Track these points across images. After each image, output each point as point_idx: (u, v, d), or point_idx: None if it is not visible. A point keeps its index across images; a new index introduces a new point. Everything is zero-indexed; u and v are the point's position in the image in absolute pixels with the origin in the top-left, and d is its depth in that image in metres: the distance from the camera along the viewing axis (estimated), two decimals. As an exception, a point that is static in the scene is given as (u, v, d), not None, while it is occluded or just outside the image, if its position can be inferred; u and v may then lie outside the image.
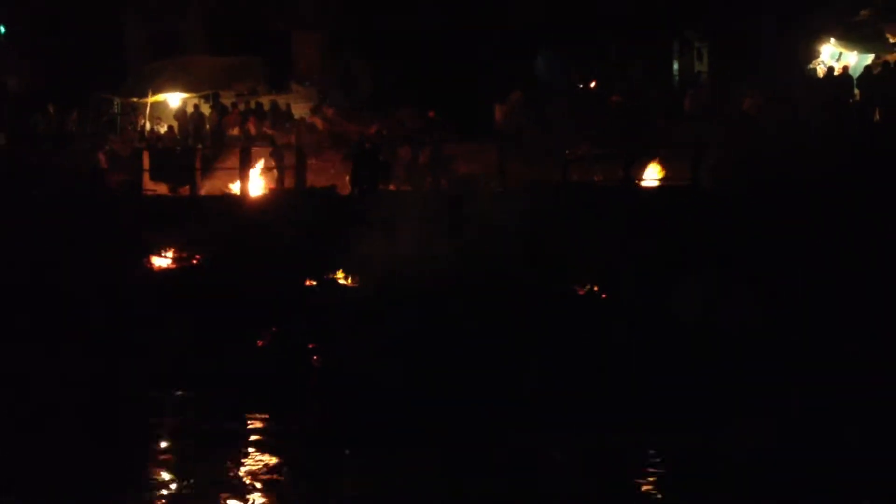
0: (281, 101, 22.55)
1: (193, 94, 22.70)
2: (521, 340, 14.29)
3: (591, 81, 21.95)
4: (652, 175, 18.37)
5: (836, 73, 18.66)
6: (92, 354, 14.61)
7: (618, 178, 17.86)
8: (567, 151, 18.47)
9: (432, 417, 12.42)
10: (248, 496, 10.37)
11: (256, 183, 19.54)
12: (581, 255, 15.89)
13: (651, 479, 10.43)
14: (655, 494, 10.18)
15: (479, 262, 15.87)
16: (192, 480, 10.89)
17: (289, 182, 19.35)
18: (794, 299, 14.28)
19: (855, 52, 20.55)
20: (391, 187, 19.01)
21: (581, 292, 15.89)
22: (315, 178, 19.34)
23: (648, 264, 15.08)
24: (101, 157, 20.32)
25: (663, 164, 18.35)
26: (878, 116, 17.59)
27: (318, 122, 21.50)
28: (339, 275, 17.30)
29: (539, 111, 19.99)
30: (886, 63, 18.43)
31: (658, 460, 10.95)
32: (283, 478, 11.03)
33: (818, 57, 20.63)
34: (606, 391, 12.87)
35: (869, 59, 20.00)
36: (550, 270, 15.98)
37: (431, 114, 20.20)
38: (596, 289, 15.83)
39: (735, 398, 12.46)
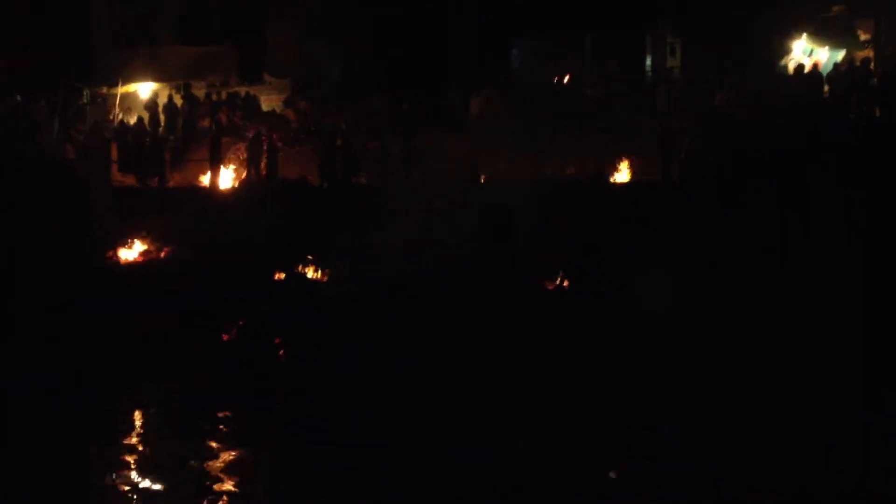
0: (253, 92, 22.35)
1: (164, 85, 22.42)
2: (490, 335, 14.27)
3: (566, 75, 21.93)
4: (624, 169, 18.42)
5: (806, 70, 18.77)
6: (55, 346, 14.43)
7: (590, 173, 17.89)
8: (540, 145, 18.46)
9: (401, 411, 12.37)
10: (211, 490, 10.30)
11: (227, 175, 19.37)
12: (552, 249, 15.93)
13: (622, 469, 10.46)
14: (626, 484, 10.21)
15: (450, 256, 15.84)
16: (155, 473, 10.79)
17: (259, 174, 19.20)
18: (764, 291, 14.43)
19: (826, 48, 20.66)
20: (363, 180, 18.93)
21: (550, 287, 15.90)
22: (286, 171, 19.20)
23: (618, 259, 15.13)
24: (69, 147, 20.05)
25: (635, 158, 18.41)
26: (851, 114, 17.72)
27: (291, 114, 21.35)
28: (309, 269, 17.22)
29: (513, 104, 19.95)
30: (853, 60, 18.57)
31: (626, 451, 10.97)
32: (247, 472, 10.93)
33: (790, 53, 20.73)
34: (573, 385, 12.88)
35: (840, 55, 20.13)
36: (521, 265, 15.99)
37: (405, 107, 20.09)
38: (566, 284, 15.86)
39: (704, 389, 12.55)
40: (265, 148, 19.33)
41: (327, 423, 12.32)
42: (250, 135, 19.92)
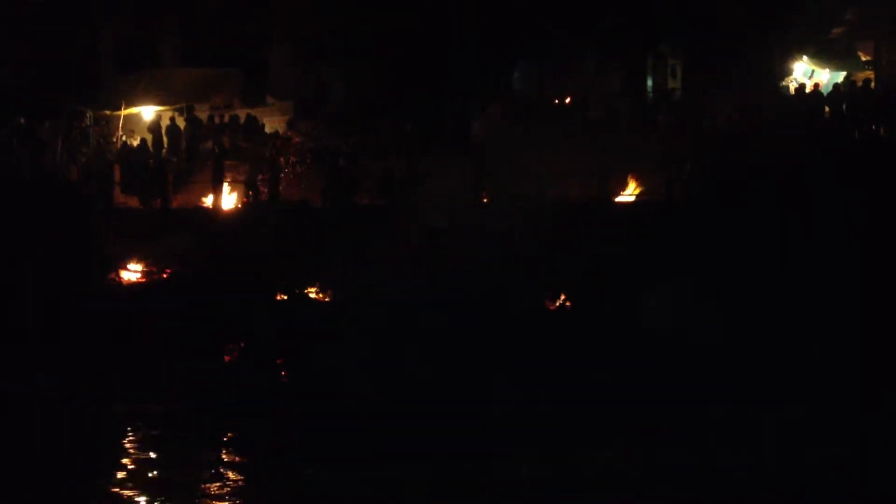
0: (256, 114, 22.39)
1: (168, 107, 22.49)
2: (491, 355, 14.23)
3: (567, 97, 22.00)
4: (627, 190, 18.44)
5: (807, 91, 18.84)
6: (56, 365, 14.39)
7: (593, 193, 17.90)
8: (542, 165, 18.47)
9: (402, 431, 12.30)
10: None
11: (229, 197, 19.41)
12: (554, 269, 15.94)
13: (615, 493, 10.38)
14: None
15: (453, 276, 15.84)
16: (156, 495, 10.72)
17: (262, 196, 19.23)
18: (765, 311, 14.44)
19: (827, 70, 20.76)
20: (365, 201, 18.94)
21: (552, 307, 15.88)
22: (289, 192, 19.24)
23: (621, 278, 15.12)
24: (73, 169, 20.11)
25: (638, 179, 18.43)
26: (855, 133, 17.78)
27: (294, 136, 21.39)
28: (312, 289, 17.21)
29: (516, 125, 19.98)
30: (854, 81, 18.64)
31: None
32: (248, 492, 10.85)
33: (791, 74, 20.81)
34: (573, 406, 12.84)
35: (841, 76, 20.22)
36: (524, 285, 15.98)
37: (408, 128, 20.14)
38: (568, 304, 15.83)
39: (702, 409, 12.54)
40: (269, 169, 19.40)
41: (328, 443, 12.21)
42: (253, 157, 19.98)
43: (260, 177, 19.40)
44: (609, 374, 13.54)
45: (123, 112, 22.11)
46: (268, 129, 22.26)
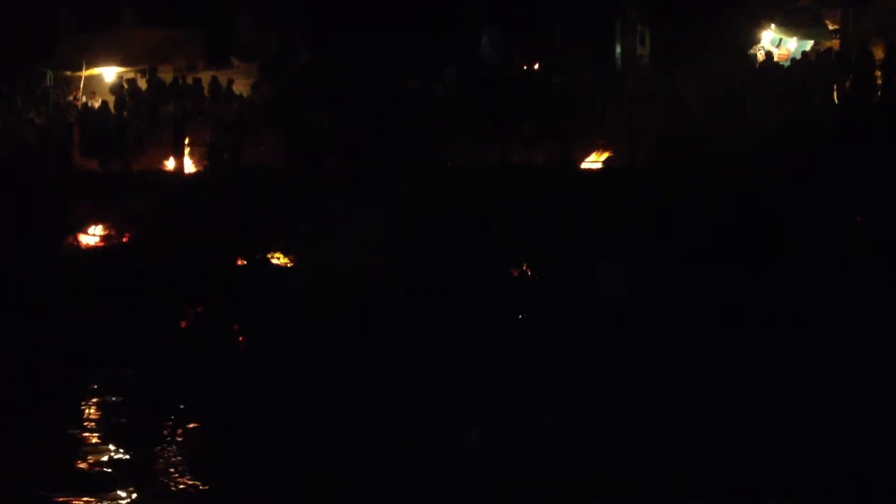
0: (220, 76, 22.02)
1: (130, 69, 22.08)
2: (453, 323, 14.20)
3: (535, 63, 21.81)
4: (592, 157, 18.38)
5: (775, 59, 18.80)
6: (10, 332, 14.20)
7: (557, 159, 17.82)
8: (509, 132, 18.35)
9: (358, 403, 12.26)
10: (162, 480, 10.17)
11: (191, 160, 19.15)
12: (518, 235, 15.91)
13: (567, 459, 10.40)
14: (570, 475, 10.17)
15: (415, 242, 15.76)
16: (105, 463, 10.64)
17: (224, 159, 18.97)
18: (728, 278, 14.47)
19: (795, 39, 20.74)
20: (329, 166, 18.74)
21: (516, 273, 15.87)
22: (252, 155, 18.99)
23: (581, 246, 15.12)
24: (31, 131, 19.74)
25: (604, 146, 18.37)
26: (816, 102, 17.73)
27: (258, 99, 21.09)
28: (277, 255, 17.07)
29: (481, 91, 19.80)
30: (820, 49, 18.62)
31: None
32: (198, 466, 10.78)
33: (758, 42, 20.76)
34: (532, 375, 12.85)
35: (808, 45, 20.20)
36: (487, 252, 15.94)
37: (373, 92, 19.91)
38: (529, 271, 15.82)
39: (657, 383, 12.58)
40: (231, 133, 19.14)
41: (279, 414, 12.14)
42: (217, 119, 19.71)
43: (222, 140, 19.15)
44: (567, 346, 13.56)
45: (84, 73, 21.71)
46: (233, 91, 21.93)
